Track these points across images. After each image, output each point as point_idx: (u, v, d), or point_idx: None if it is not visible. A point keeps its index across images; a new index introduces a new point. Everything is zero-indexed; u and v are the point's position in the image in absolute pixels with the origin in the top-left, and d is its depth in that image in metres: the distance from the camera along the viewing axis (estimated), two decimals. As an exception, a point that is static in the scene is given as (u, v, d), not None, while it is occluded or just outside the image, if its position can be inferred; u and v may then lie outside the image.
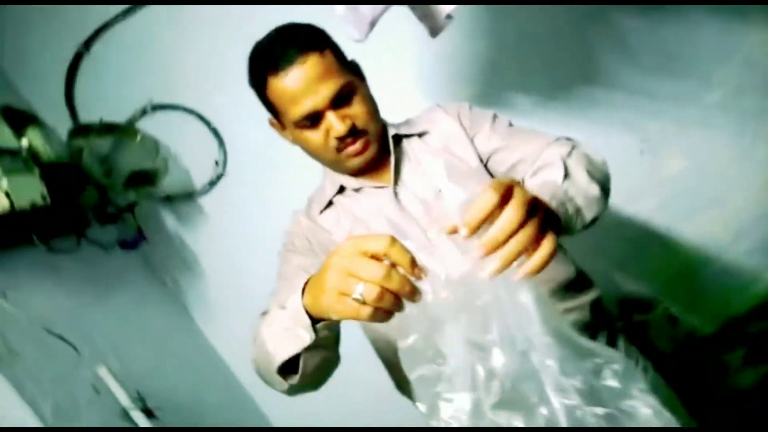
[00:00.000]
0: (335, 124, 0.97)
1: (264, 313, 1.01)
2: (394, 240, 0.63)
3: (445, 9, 1.10)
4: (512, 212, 0.61)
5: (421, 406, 0.63)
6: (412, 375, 0.63)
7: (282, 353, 0.80)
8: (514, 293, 0.64)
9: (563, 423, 0.58)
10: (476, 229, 0.62)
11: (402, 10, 1.21)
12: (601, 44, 1.81)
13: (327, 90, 0.96)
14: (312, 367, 0.82)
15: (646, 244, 1.90)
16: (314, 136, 1.00)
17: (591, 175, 0.88)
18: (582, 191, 0.84)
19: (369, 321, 0.63)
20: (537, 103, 1.85)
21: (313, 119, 0.98)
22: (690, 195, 1.87)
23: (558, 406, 0.58)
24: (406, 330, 0.65)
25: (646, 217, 1.89)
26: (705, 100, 1.80)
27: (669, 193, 1.87)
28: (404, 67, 1.84)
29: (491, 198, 0.61)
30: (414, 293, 0.63)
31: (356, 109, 1.00)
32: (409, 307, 0.64)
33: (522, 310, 0.63)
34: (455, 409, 0.60)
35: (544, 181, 0.83)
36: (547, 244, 0.63)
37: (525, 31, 1.81)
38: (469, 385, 0.60)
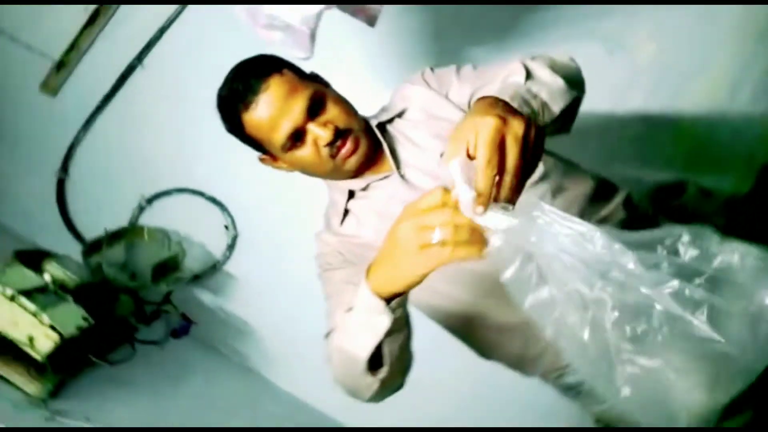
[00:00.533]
0: (319, 132, 0.98)
1: (328, 334, 1.01)
2: (444, 190, 0.63)
3: (372, -6, 1.12)
4: (514, 162, 0.62)
5: (547, 331, 0.62)
6: (526, 304, 0.63)
7: (365, 347, 0.79)
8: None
9: (679, 310, 0.57)
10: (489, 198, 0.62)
11: (335, 14, 1.23)
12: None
13: (299, 104, 0.97)
14: (396, 352, 0.82)
15: (651, 134, 1.89)
16: (305, 152, 1.01)
17: (553, 69, 0.89)
18: (545, 85, 0.85)
19: (459, 260, 0.63)
20: (495, 48, 1.86)
21: (297, 137, 0.99)
22: (672, 72, 1.86)
23: (665, 298, 0.57)
24: (499, 265, 0.65)
25: (640, 110, 1.88)
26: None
27: (652, 79, 1.86)
28: (357, 64, 1.86)
29: (492, 162, 0.61)
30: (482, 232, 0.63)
31: (333, 113, 1.00)
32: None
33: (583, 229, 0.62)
34: (577, 328, 0.60)
35: (506, 83, 0.83)
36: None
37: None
38: (581, 304, 0.59)
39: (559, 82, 0.87)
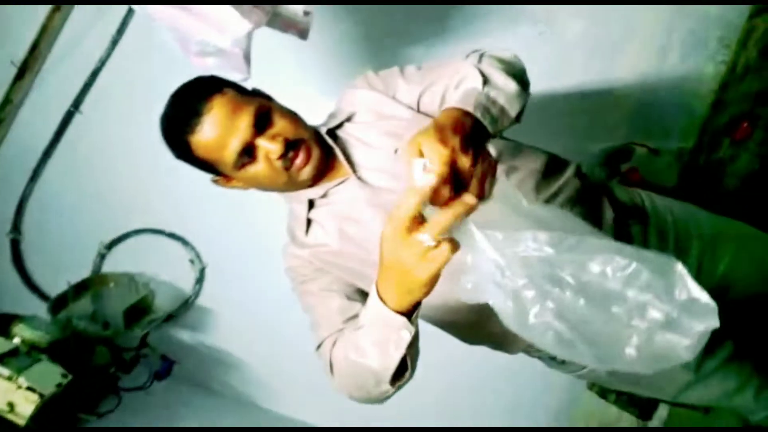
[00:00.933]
0: (269, 146, 0.98)
1: (318, 347, 1.03)
2: (414, 191, 0.64)
3: (298, 9, 1.12)
4: (465, 164, 0.65)
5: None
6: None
7: (392, 362, 0.81)
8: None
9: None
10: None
11: (266, 32, 1.23)
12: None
13: (244, 120, 0.97)
14: (416, 357, 0.85)
15: (593, 104, 1.95)
16: (258, 168, 1.01)
17: (506, 72, 0.92)
18: (501, 91, 0.87)
19: (458, 250, 0.65)
20: (431, 44, 1.89)
21: (248, 153, 0.99)
22: (603, 43, 1.92)
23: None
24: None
25: (577, 82, 1.93)
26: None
27: (584, 52, 1.92)
28: (296, 76, 1.87)
29: (443, 171, 0.64)
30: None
31: (281, 125, 1.01)
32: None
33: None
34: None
35: (465, 91, 0.85)
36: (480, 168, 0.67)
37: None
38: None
39: (512, 86, 0.89)
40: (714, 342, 1.14)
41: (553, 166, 1.07)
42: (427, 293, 0.72)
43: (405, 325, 0.76)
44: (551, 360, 1.17)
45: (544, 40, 1.90)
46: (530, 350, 1.16)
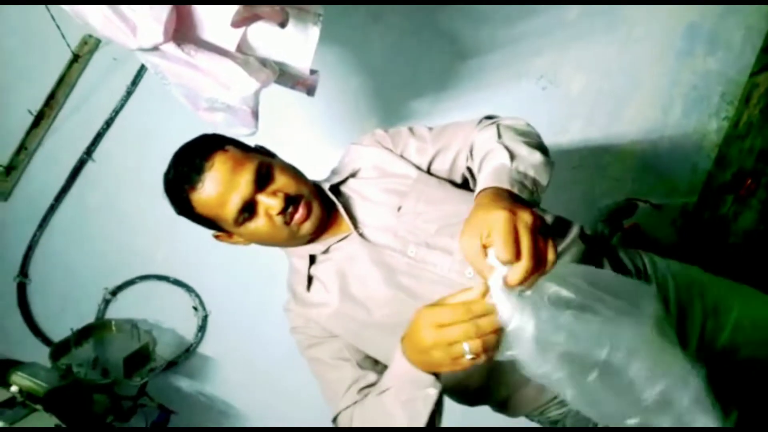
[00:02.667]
0: (270, 202, 1.00)
1: (335, 418, 1.04)
2: (466, 306, 0.69)
3: (305, 67, 1.15)
4: (528, 246, 0.67)
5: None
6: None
7: (421, 421, 0.83)
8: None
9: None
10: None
11: (274, 88, 1.26)
12: (455, 28, 1.89)
13: (245, 177, 0.99)
14: (441, 413, 0.87)
15: (596, 160, 1.96)
16: (259, 224, 1.02)
17: (528, 144, 0.93)
18: (530, 163, 0.88)
19: (490, 363, 0.70)
20: (436, 98, 1.93)
21: (249, 210, 1.00)
22: (605, 99, 1.94)
23: None
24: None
25: (581, 139, 1.95)
26: (567, 18, 1.89)
27: (587, 108, 1.95)
28: (303, 131, 1.91)
29: (510, 247, 0.66)
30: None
31: (282, 181, 1.02)
32: None
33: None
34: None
35: (494, 168, 0.86)
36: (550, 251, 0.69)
37: (384, 51, 1.90)
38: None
39: (538, 157, 0.90)
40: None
41: (557, 228, 1.08)
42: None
43: (432, 383, 0.79)
44: (552, 425, 1.14)
45: (547, 94, 1.94)
46: (532, 415, 1.14)
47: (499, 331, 0.68)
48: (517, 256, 0.66)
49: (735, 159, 1.84)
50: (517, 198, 0.79)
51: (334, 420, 1.04)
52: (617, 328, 0.67)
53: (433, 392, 0.79)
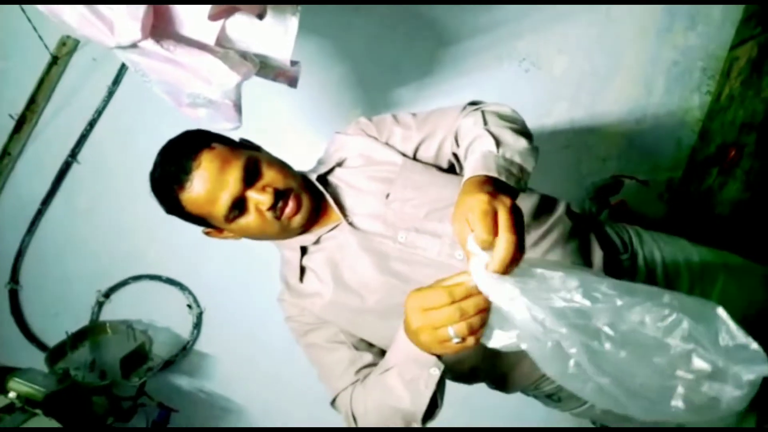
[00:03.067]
0: (259, 197, 1.00)
1: (334, 400, 1.05)
2: (449, 290, 0.69)
3: (286, 59, 1.15)
4: (506, 224, 0.68)
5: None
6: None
7: (423, 401, 0.84)
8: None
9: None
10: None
11: (256, 81, 1.26)
12: (436, 14, 1.89)
13: (233, 175, 0.99)
14: (443, 393, 0.88)
15: (582, 140, 1.97)
16: (249, 219, 1.02)
17: (513, 130, 0.93)
18: (515, 149, 0.89)
19: (477, 346, 0.71)
20: (420, 85, 1.93)
21: (239, 206, 1.01)
22: (588, 79, 1.95)
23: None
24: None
25: (566, 120, 1.96)
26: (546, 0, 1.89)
27: (570, 89, 1.96)
28: (287, 123, 1.91)
29: (511, 241, 0.66)
30: (487, 306, 0.69)
31: (270, 175, 1.02)
32: None
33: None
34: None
35: (482, 154, 0.87)
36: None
37: (366, 39, 1.89)
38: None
39: (523, 143, 0.91)
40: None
41: (543, 206, 1.09)
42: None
43: (435, 363, 0.80)
44: (548, 399, 1.16)
45: (530, 77, 1.94)
46: (527, 390, 1.16)
47: (484, 313, 0.68)
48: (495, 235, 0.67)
49: (718, 132, 1.86)
50: (504, 185, 0.80)
51: (333, 403, 1.05)
52: (606, 279, 0.65)
53: (435, 372, 0.80)
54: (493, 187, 0.76)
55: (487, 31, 1.90)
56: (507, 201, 0.70)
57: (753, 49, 1.78)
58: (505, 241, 0.66)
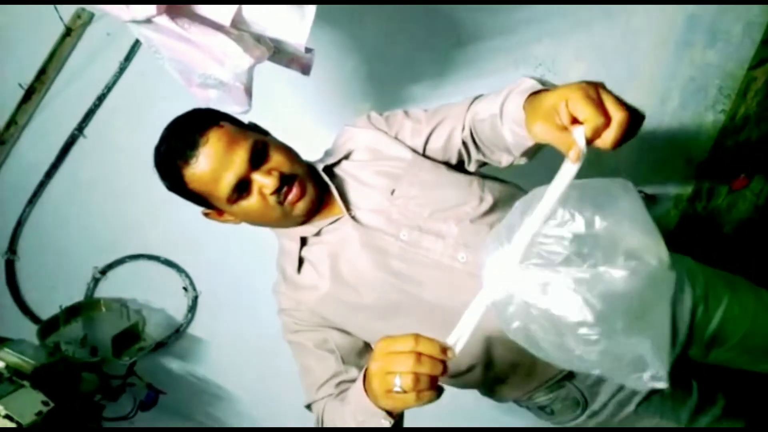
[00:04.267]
0: (264, 180, 0.98)
1: (309, 406, 1.06)
2: (417, 338, 0.69)
3: (301, 44, 1.14)
4: (614, 104, 0.65)
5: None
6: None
7: None
8: None
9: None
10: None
11: (269, 66, 1.24)
12: (454, 13, 1.87)
13: (240, 155, 0.97)
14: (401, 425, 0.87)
15: (591, 151, 1.93)
16: (252, 202, 1.00)
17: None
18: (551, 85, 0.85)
19: (419, 405, 0.70)
20: (432, 84, 1.91)
21: (242, 188, 0.99)
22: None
23: None
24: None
25: (577, 127, 1.94)
26: (566, 6, 1.86)
27: (585, 95, 1.93)
28: (297, 112, 1.88)
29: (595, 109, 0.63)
30: (445, 370, 0.70)
31: (277, 159, 1.01)
32: None
33: None
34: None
35: (530, 86, 0.82)
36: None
37: (381, 33, 1.87)
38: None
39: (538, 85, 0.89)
40: (706, 398, 1.13)
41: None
42: (394, 411, 0.78)
43: (384, 416, 0.78)
44: (540, 410, 1.15)
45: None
46: (519, 400, 1.14)
47: (435, 376, 0.69)
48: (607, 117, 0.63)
49: (730, 151, 1.84)
50: None
51: (308, 407, 1.06)
52: None
53: (386, 423, 0.79)
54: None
55: (505, 33, 1.88)
56: (600, 84, 0.65)
57: (772, 71, 1.77)
58: (620, 114, 0.62)
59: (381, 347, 0.72)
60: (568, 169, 0.64)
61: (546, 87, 0.79)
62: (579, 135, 0.62)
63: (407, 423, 0.88)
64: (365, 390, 0.79)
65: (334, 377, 1.03)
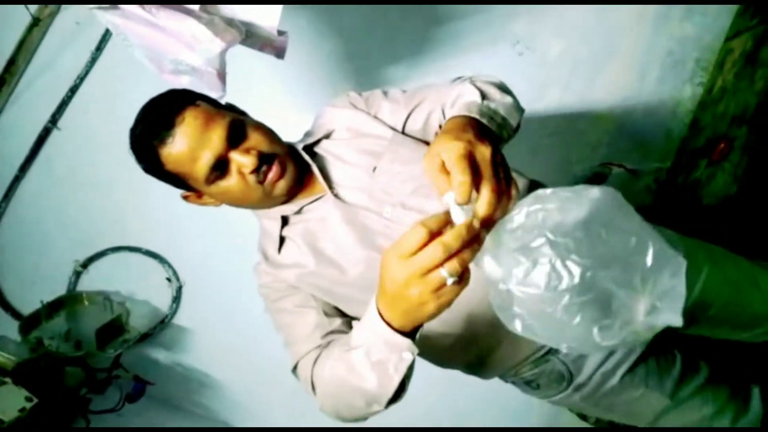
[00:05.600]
0: (243, 159, 0.96)
1: (296, 366, 1.00)
2: (424, 224, 0.61)
3: (273, 27, 1.11)
4: (485, 152, 0.66)
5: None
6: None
7: (391, 385, 0.77)
8: None
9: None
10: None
11: (241, 50, 1.22)
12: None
13: (217, 133, 0.95)
14: (411, 377, 0.80)
15: (572, 127, 1.96)
16: (231, 182, 0.99)
17: (500, 89, 0.93)
18: (500, 103, 0.88)
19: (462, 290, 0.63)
20: (412, 63, 1.89)
21: (220, 167, 0.97)
22: (582, 65, 1.93)
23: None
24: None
25: (557, 105, 1.94)
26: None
27: (564, 74, 1.93)
28: (274, 95, 1.86)
29: (466, 170, 0.63)
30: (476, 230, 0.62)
31: (255, 138, 0.99)
32: None
33: None
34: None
35: (465, 104, 0.84)
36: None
37: (358, 14, 1.84)
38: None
39: (509, 99, 0.90)
40: (689, 367, 1.14)
41: (531, 191, 1.07)
42: (433, 318, 0.67)
43: (409, 346, 0.72)
44: (526, 385, 1.16)
45: (524, 60, 1.91)
46: (505, 376, 1.15)
47: (469, 245, 0.61)
48: (477, 189, 0.63)
49: (708, 124, 1.85)
50: (483, 131, 0.75)
51: (294, 369, 1.01)
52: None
53: (408, 356, 0.73)
54: (472, 134, 0.70)
55: (483, 11, 1.87)
56: (486, 150, 0.65)
57: (748, 42, 1.77)
58: (487, 190, 0.62)
59: (391, 257, 0.63)
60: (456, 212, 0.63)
61: (479, 110, 0.81)
62: (448, 198, 0.63)
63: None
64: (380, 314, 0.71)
65: (318, 328, 0.99)
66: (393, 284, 0.64)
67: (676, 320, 0.59)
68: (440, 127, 1.05)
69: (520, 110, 0.92)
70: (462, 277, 0.61)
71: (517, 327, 0.62)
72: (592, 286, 0.58)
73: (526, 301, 0.60)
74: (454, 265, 0.59)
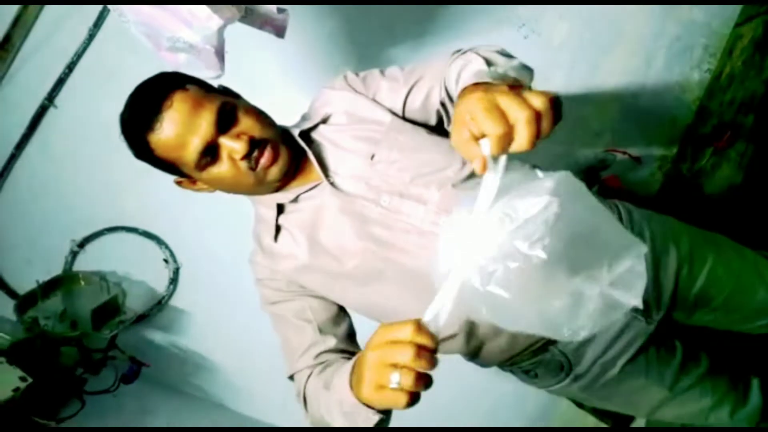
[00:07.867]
0: (233, 145, 0.94)
1: (291, 377, 1.04)
2: (417, 326, 0.63)
3: (273, 5, 1.09)
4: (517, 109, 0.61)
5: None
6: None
7: (360, 427, 0.79)
8: None
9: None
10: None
11: (242, 28, 1.19)
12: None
13: (206, 118, 0.93)
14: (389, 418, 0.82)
15: (577, 112, 1.93)
16: (222, 168, 0.97)
17: (503, 54, 0.91)
18: (509, 66, 0.85)
19: (407, 408, 0.64)
20: (414, 45, 1.86)
21: (211, 153, 0.95)
22: (588, 48, 1.90)
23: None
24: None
25: (562, 89, 1.91)
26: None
27: (569, 57, 1.90)
28: (274, 75, 1.83)
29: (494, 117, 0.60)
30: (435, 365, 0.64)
31: (246, 123, 0.97)
32: None
33: None
34: None
35: (474, 72, 0.82)
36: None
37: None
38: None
39: (516, 62, 0.88)
40: (690, 358, 1.13)
41: None
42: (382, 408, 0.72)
43: (373, 413, 0.74)
44: (525, 375, 1.14)
45: (529, 42, 1.88)
46: (503, 364, 1.14)
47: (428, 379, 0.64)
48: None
49: (715, 111, 1.82)
50: None
51: (291, 377, 1.05)
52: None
53: (375, 418, 0.74)
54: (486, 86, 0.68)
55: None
56: (503, 88, 0.63)
57: (758, 28, 1.73)
58: (524, 117, 0.59)
59: (379, 334, 0.66)
60: (488, 179, 0.62)
61: (489, 76, 0.76)
62: (485, 147, 0.62)
63: (405, 422, 0.87)
64: (350, 379, 0.75)
65: (312, 347, 1.01)
66: (362, 356, 0.69)
67: (636, 301, 0.61)
68: (443, 106, 1.03)
69: (529, 69, 0.90)
70: (412, 395, 0.64)
71: (483, 313, 0.62)
72: (554, 273, 0.60)
73: (490, 296, 0.61)
74: (407, 377, 0.62)
